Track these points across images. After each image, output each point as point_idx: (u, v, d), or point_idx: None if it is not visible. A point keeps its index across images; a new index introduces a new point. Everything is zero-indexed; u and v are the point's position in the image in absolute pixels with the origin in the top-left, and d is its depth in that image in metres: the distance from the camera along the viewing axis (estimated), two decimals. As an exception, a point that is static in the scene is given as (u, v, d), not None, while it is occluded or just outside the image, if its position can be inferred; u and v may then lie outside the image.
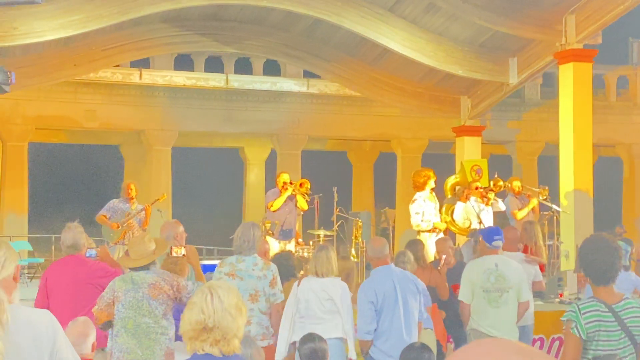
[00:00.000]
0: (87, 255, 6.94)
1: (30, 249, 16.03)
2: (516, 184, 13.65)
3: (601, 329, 4.31)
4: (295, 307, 7.14)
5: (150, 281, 5.75)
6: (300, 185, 12.49)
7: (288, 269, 8.06)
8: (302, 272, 10.61)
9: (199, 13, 15.34)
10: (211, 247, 18.31)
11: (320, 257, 7.17)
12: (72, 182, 23.64)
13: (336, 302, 7.04)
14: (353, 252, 12.81)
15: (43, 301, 6.74)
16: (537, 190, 13.76)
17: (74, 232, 6.86)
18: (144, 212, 11.89)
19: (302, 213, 13.05)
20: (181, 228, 7.18)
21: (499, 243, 7.82)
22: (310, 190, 12.60)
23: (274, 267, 7.03)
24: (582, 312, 4.31)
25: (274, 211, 12.27)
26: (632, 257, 9.68)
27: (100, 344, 5.86)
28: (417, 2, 14.55)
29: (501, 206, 12.96)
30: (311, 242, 13.06)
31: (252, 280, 6.89)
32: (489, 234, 7.95)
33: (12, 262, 3.46)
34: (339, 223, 13.25)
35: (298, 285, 7.27)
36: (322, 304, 7.08)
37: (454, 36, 15.22)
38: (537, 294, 10.06)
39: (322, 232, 13.14)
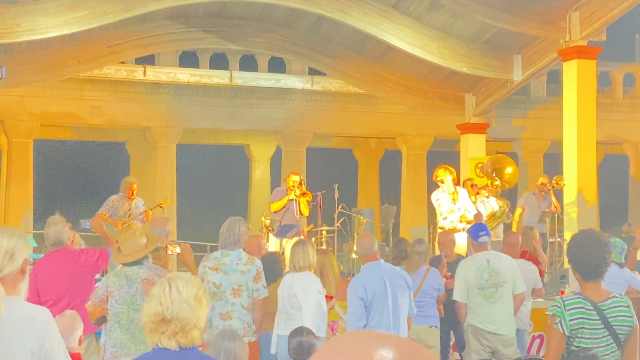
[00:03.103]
0: (83, 227, 6.99)
1: (35, 245, 16.08)
2: (541, 179, 13.88)
3: (585, 326, 4.29)
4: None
5: (143, 276, 5.77)
6: (303, 194, 12.47)
7: (275, 269, 8.09)
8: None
9: (204, 10, 15.35)
10: (215, 244, 18.32)
11: (297, 252, 7.23)
12: (78, 179, 23.71)
13: (299, 298, 7.09)
14: (355, 248, 12.81)
15: (33, 298, 6.75)
16: (553, 181, 13.83)
17: (55, 228, 6.86)
18: (144, 215, 11.91)
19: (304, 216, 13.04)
20: (169, 225, 7.16)
21: (486, 239, 7.84)
22: (310, 203, 12.61)
23: (258, 262, 7.06)
24: (566, 308, 4.29)
25: (273, 212, 12.26)
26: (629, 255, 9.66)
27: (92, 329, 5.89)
28: (420, -1, 14.54)
29: (494, 206, 12.93)
30: (313, 239, 13.07)
31: (236, 274, 6.91)
32: (474, 231, 7.99)
33: (21, 255, 3.40)
34: (341, 220, 13.26)
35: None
36: (290, 299, 7.15)
37: (458, 33, 15.20)
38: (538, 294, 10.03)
39: (324, 229, 13.15)
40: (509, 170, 13.80)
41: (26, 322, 3.38)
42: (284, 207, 12.24)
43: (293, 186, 12.33)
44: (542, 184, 13.96)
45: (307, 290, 7.13)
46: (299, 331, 5.74)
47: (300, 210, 12.40)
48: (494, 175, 13.41)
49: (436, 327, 8.30)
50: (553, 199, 13.85)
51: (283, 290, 7.23)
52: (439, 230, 11.98)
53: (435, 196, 12.15)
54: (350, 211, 13.69)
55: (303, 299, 7.07)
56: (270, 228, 11.86)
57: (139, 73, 18.58)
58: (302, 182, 12.60)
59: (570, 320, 4.26)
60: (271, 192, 13.53)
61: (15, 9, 12.96)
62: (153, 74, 18.70)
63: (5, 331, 3.25)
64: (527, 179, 19.55)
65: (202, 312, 3.15)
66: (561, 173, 14.24)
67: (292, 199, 12.30)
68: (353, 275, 12.22)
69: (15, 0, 12.99)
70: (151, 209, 12.09)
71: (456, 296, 7.74)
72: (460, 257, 9.44)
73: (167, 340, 3.09)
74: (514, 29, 14.56)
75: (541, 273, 10.13)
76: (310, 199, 12.58)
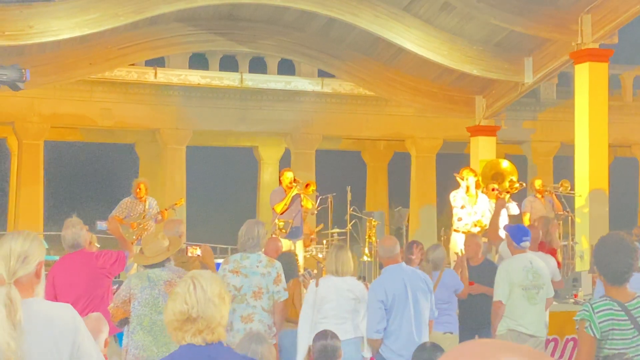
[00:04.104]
0: (99, 228, 6.96)
1: (46, 246, 16.07)
2: (538, 182, 13.78)
3: (615, 327, 4.29)
4: (315, 307, 7.11)
5: (165, 278, 5.78)
6: (306, 186, 12.35)
7: (291, 269, 8.07)
8: (315, 271, 10.63)
9: (214, 12, 15.38)
10: (225, 246, 18.33)
11: (342, 256, 7.17)
12: (87, 180, 23.75)
13: (361, 301, 7.06)
14: (366, 251, 12.81)
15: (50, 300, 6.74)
16: (557, 185, 13.79)
17: (73, 230, 6.84)
18: (160, 215, 11.90)
19: (314, 213, 12.95)
20: (183, 227, 7.16)
21: (527, 244, 7.84)
22: (316, 192, 12.48)
23: (278, 264, 7.05)
24: (595, 311, 4.29)
25: (280, 213, 12.03)
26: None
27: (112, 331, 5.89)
28: (432, 2, 14.53)
29: (514, 210, 12.89)
30: (325, 242, 13.05)
31: (256, 277, 6.91)
32: (517, 235, 7.92)
33: (35, 258, 3.37)
34: (352, 222, 13.25)
35: (317, 285, 7.23)
36: (347, 303, 7.08)
37: (469, 36, 15.20)
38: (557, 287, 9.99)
39: (335, 231, 13.13)
40: (504, 164, 13.68)
41: (53, 321, 3.37)
42: (289, 206, 12.09)
43: (291, 182, 12.21)
44: (540, 186, 13.87)
45: (366, 293, 7.14)
46: (324, 334, 5.73)
47: (303, 205, 12.18)
48: (496, 179, 13.32)
49: (451, 333, 8.23)
50: (555, 200, 13.81)
51: (331, 294, 7.08)
52: (453, 233, 11.96)
53: (453, 193, 12.14)
54: (361, 214, 13.68)
55: (366, 303, 7.07)
56: (284, 230, 11.80)
57: (149, 75, 18.61)
58: (296, 178, 12.37)
59: (600, 323, 4.26)
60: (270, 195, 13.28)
61: (27, 11, 12.99)
62: (163, 76, 18.72)
63: (33, 333, 3.23)
64: (537, 181, 19.50)
65: (225, 309, 3.17)
66: (571, 175, 14.22)
67: (297, 195, 12.10)
68: (362, 277, 12.21)
69: (27, 2, 13.02)
70: (166, 209, 12.07)
71: (500, 296, 7.63)
72: (486, 261, 9.36)
73: (192, 338, 3.10)
74: (526, 32, 14.56)
75: (559, 264, 10.11)
76: (315, 188, 12.43)
